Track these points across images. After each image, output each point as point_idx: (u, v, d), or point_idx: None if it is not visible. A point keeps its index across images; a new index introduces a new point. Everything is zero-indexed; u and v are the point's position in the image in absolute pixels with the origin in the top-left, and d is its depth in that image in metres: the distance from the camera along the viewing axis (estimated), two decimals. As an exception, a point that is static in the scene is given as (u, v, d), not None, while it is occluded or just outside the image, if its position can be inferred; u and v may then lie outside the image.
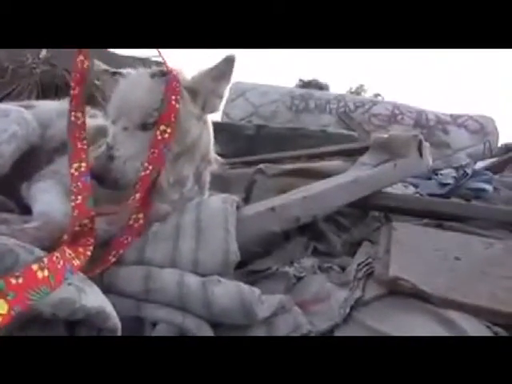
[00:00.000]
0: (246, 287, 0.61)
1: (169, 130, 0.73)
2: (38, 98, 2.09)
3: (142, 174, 0.69)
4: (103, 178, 0.69)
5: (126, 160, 0.71)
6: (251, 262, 0.86)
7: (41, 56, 2.40)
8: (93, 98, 2.47)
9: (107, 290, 0.57)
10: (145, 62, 3.20)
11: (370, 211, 1.15)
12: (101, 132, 0.90)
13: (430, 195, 1.50)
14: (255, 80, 3.81)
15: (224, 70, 0.79)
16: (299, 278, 0.84)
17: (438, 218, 1.07)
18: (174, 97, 0.76)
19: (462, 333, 0.56)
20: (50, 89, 2.23)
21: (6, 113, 0.82)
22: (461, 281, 0.67)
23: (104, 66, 0.82)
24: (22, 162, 0.81)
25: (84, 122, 0.77)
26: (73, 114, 0.76)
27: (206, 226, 0.69)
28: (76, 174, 0.68)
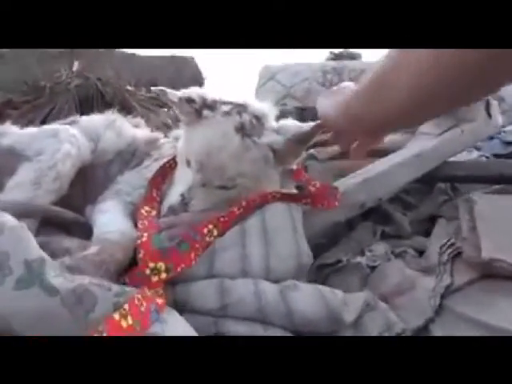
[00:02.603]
0: (326, 290, 0.56)
1: (244, 204, 0.69)
2: (76, 112, 2.13)
3: (221, 219, 0.65)
4: None
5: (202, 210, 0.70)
6: (318, 255, 0.81)
7: (74, 69, 2.44)
8: (126, 102, 2.49)
9: (181, 308, 0.55)
10: (173, 61, 3.15)
11: (436, 184, 1.07)
12: (152, 144, 0.88)
13: (495, 156, 1.38)
14: (285, 60, 3.70)
15: (311, 135, 0.73)
16: (373, 268, 0.79)
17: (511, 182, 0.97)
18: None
19: None
20: (87, 101, 2.27)
21: (53, 132, 0.81)
22: None
23: (185, 94, 0.73)
24: (78, 181, 0.80)
25: (165, 175, 0.78)
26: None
27: (272, 228, 0.64)
28: (145, 214, 0.67)
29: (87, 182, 0.83)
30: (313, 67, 3.56)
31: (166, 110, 3.13)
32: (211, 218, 0.65)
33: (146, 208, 0.69)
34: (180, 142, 0.79)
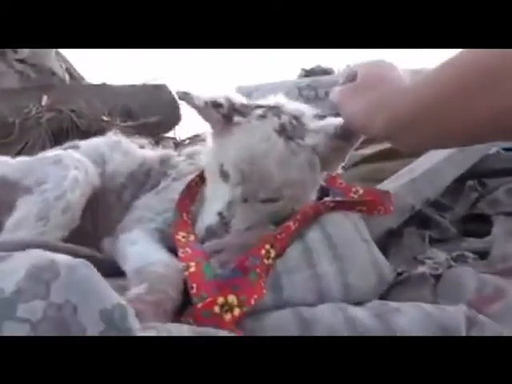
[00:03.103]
0: (430, 308, 0.47)
1: (299, 218, 0.59)
2: (51, 146, 1.99)
3: (278, 237, 0.56)
4: None
5: (246, 229, 0.60)
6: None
7: (43, 103, 2.30)
8: (103, 132, 2.36)
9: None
10: (145, 89, 3.02)
11: (466, 181, 1.01)
12: (166, 162, 0.77)
13: (505, 150, 1.36)
14: (257, 80, 3.68)
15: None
16: (436, 277, 0.70)
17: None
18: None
19: None
20: (61, 134, 2.12)
21: (55, 158, 0.70)
22: None
23: (211, 98, 0.64)
24: (88, 210, 0.69)
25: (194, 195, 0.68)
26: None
27: (340, 242, 0.55)
28: (183, 240, 0.56)
29: (98, 211, 0.72)
30: (287, 84, 3.55)
31: (140, 137, 3.01)
32: (266, 236, 0.55)
33: (182, 234, 0.58)
34: (206, 155, 0.69)
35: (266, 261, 0.52)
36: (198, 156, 0.78)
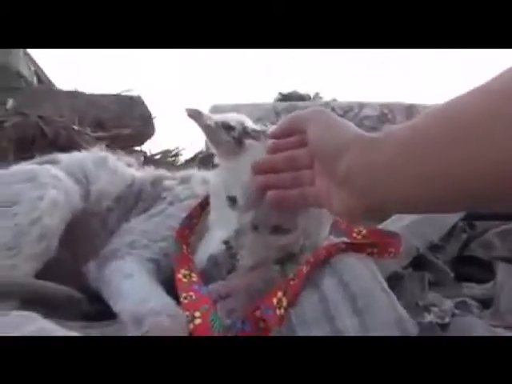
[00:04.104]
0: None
1: (311, 260, 0.53)
2: (15, 154, 1.84)
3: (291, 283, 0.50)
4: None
5: (251, 267, 0.54)
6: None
7: (8, 107, 2.15)
8: (73, 142, 2.23)
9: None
10: (118, 100, 2.91)
11: (457, 222, 1.00)
12: (157, 185, 0.70)
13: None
14: (231, 100, 3.69)
15: None
16: (442, 326, 0.66)
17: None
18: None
19: None
20: (26, 141, 1.98)
21: (29, 174, 0.61)
22: None
23: (223, 119, 0.59)
24: (66, 238, 0.60)
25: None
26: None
27: (358, 291, 0.50)
28: (184, 280, 0.50)
29: (79, 239, 0.63)
30: (265, 107, 3.56)
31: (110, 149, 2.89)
32: (279, 283, 0.50)
33: (184, 271, 0.52)
34: (213, 178, 0.64)
35: (277, 311, 0.47)
36: (194, 181, 0.72)
